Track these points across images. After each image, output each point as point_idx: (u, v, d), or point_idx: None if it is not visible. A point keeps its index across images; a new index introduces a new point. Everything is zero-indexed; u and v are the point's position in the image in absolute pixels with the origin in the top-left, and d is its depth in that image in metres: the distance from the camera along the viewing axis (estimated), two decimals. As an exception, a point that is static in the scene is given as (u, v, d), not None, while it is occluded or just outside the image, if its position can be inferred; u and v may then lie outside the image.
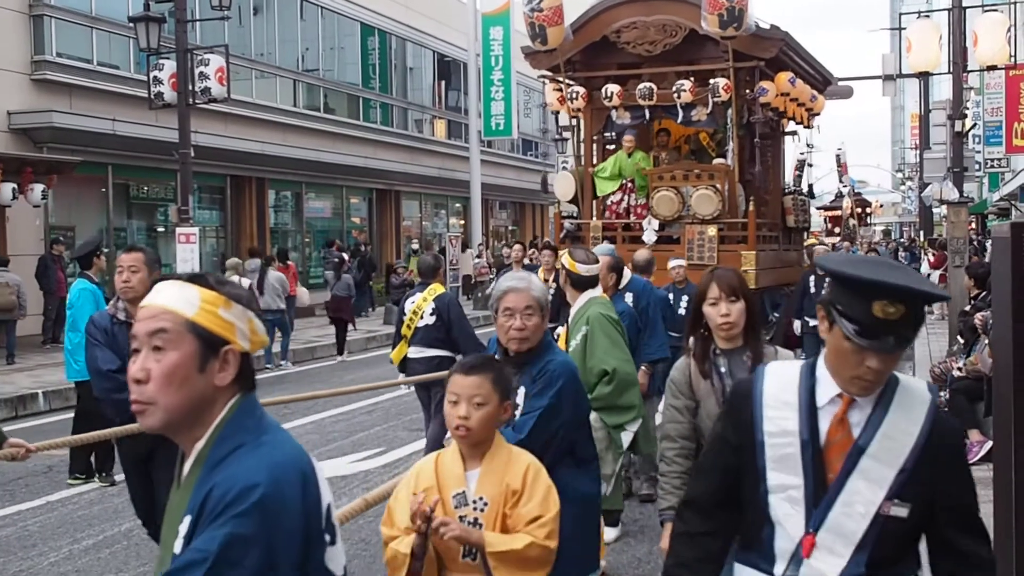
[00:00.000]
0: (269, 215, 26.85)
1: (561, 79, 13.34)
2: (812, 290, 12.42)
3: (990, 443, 7.96)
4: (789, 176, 19.83)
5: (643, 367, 7.33)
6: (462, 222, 37.11)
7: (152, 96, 17.49)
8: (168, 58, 17.37)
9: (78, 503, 8.00)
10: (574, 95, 13.16)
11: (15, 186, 16.52)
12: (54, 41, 19.50)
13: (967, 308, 10.43)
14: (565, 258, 5.91)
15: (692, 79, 12.54)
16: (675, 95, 12.50)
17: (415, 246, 26.71)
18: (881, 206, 70.38)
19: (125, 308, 5.47)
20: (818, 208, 44.77)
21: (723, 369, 3.88)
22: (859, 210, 38.13)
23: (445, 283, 20.11)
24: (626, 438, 5.65)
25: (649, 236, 12.64)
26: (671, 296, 10.82)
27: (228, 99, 18.42)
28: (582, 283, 6.11)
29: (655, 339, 7.65)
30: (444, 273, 17.76)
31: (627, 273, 7.95)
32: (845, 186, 40.05)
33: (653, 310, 7.77)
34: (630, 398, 5.45)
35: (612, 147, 13.77)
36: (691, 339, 4.02)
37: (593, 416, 5.01)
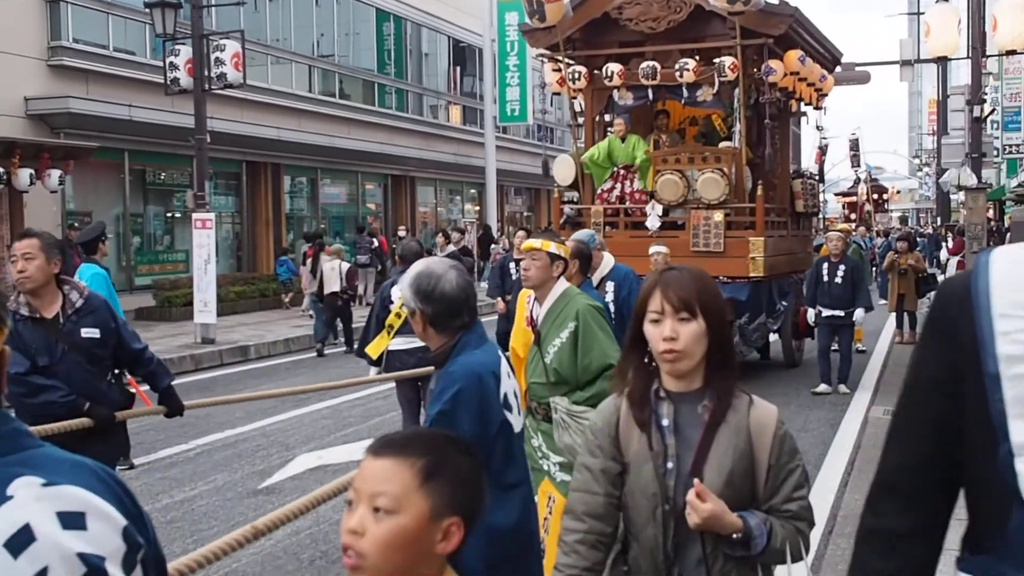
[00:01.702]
0: (285, 201, 26.90)
1: (560, 58, 12.90)
2: (825, 279, 12.13)
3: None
4: (809, 161, 19.63)
5: None
6: (477, 208, 37.10)
7: (168, 82, 17.51)
8: (184, 44, 17.38)
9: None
10: (574, 75, 12.70)
11: (32, 172, 16.56)
12: (70, 27, 19.56)
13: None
14: (554, 245, 5.04)
15: (697, 57, 12.16)
16: (679, 74, 12.09)
17: (401, 233, 26.09)
18: (898, 192, 70.09)
19: (27, 302, 4.92)
20: (835, 194, 44.70)
21: (665, 422, 2.57)
22: (875, 196, 37.98)
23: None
24: None
25: (653, 222, 12.29)
26: None
27: (244, 85, 18.43)
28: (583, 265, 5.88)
29: None
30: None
31: (609, 260, 7.47)
32: (862, 171, 39.81)
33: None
34: None
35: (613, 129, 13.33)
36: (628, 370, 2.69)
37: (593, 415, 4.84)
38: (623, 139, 12.66)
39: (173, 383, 5.66)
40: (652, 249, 10.43)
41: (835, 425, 10.09)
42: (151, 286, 20.51)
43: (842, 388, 11.89)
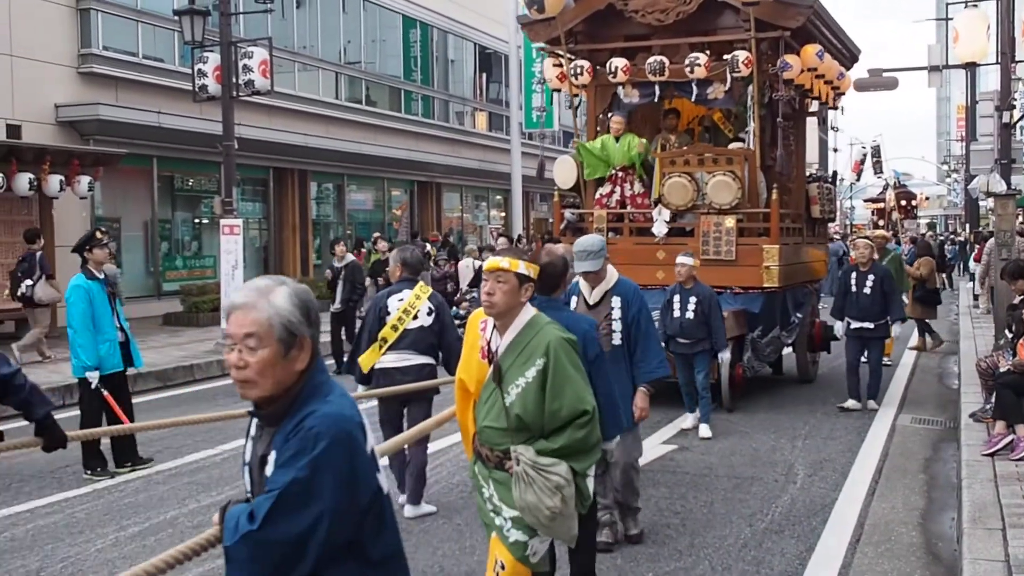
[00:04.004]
0: (311, 207, 27.01)
1: (562, 52, 12.17)
2: (854, 289, 11.26)
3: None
4: (845, 168, 19.34)
5: (641, 389, 6.30)
6: (503, 214, 37.12)
7: (196, 89, 17.61)
8: (212, 51, 17.48)
9: (124, 491, 8.11)
10: (576, 71, 11.94)
11: (62, 178, 16.72)
12: (100, 35, 19.74)
13: (1016, 301, 10.28)
14: (523, 264, 4.23)
15: (708, 52, 11.48)
16: (689, 70, 11.40)
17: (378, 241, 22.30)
18: (927, 199, 69.61)
19: None
20: (864, 201, 44.52)
21: None
22: (903, 203, 37.74)
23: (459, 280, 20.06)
24: (590, 484, 4.34)
25: (659, 228, 11.60)
26: (676, 298, 10.11)
27: (271, 92, 18.51)
28: (548, 283, 4.85)
29: (652, 353, 6.39)
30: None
31: (613, 272, 6.56)
32: (890, 177, 39.63)
33: (646, 320, 6.45)
34: (597, 433, 4.21)
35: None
36: None
37: (563, 469, 4.03)
38: (617, 138, 11.89)
39: (53, 412, 4.99)
40: (680, 259, 10.03)
41: (862, 433, 10.01)
42: (178, 292, 20.64)
43: (871, 404, 11.22)
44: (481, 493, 4.31)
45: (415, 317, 7.15)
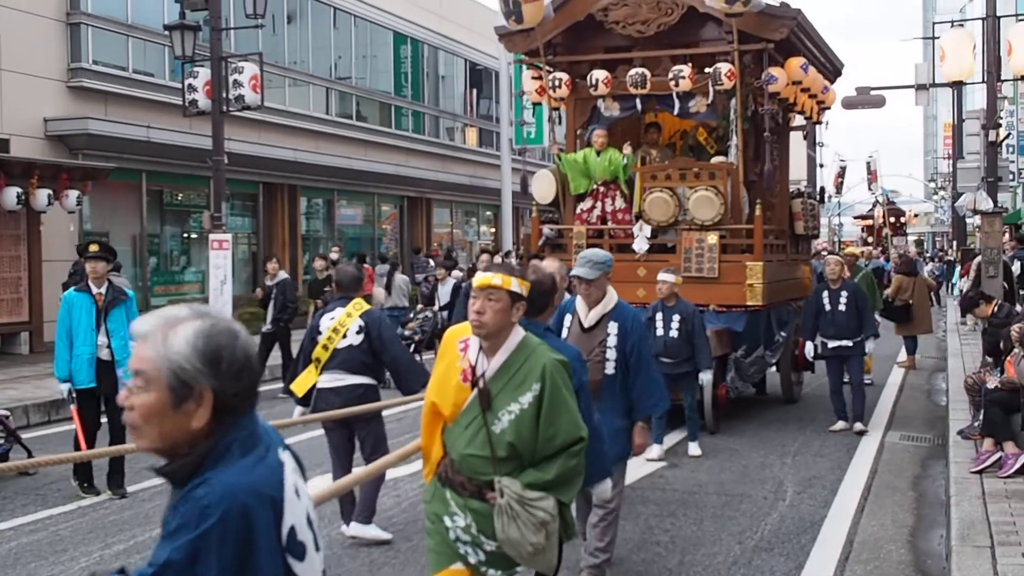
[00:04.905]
0: (301, 222, 26.97)
1: (540, 64, 11.91)
2: (827, 307, 11.06)
3: (1025, 457, 7.86)
4: (829, 183, 19.42)
5: (640, 424, 5.93)
6: (493, 230, 37.15)
7: (186, 103, 17.62)
8: (202, 66, 17.49)
9: (110, 508, 8.06)
10: (555, 83, 11.68)
11: (50, 192, 16.68)
12: (90, 49, 19.70)
13: (986, 327, 10.28)
14: (516, 281, 3.89)
15: (691, 64, 11.26)
16: (671, 83, 11.16)
17: (334, 256, 19.38)
18: (915, 216, 69.93)
19: None
20: (854, 218, 44.76)
21: None
22: (892, 220, 37.96)
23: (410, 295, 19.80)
24: (574, 510, 3.99)
25: (640, 244, 11.34)
26: (659, 316, 9.88)
27: (262, 107, 18.53)
28: (534, 303, 4.35)
29: (654, 385, 5.96)
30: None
31: (612, 295, 6.03)
32: (879, 194, 39.86)
33: (647, 350, 6.07)
34: (582, 461, 3.94)
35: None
36: None
37: (550, 505, 3.78)
38: (599, 152, 11.66)
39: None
40: (661, 276, 9.78)
41: (851, 450, 10.02)
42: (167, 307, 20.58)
43: (857, 426, 10.89)
44: (442, 521, 3.96)
45: (344, 336, 6.94)
